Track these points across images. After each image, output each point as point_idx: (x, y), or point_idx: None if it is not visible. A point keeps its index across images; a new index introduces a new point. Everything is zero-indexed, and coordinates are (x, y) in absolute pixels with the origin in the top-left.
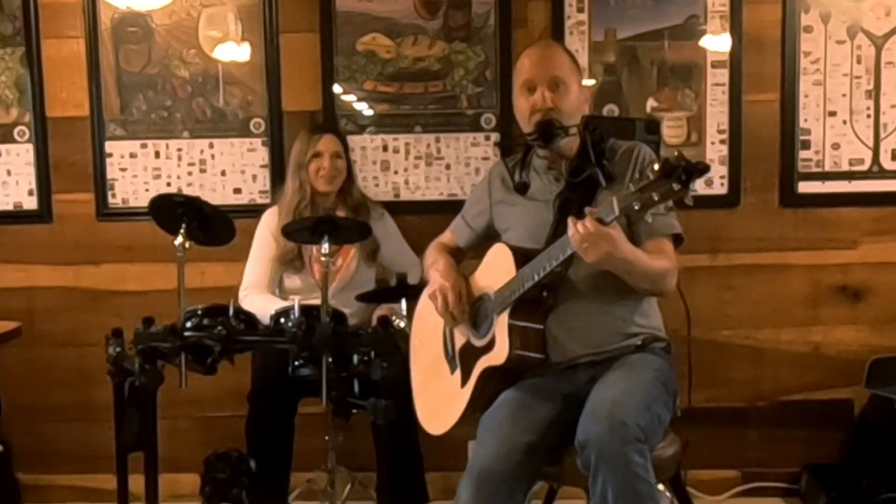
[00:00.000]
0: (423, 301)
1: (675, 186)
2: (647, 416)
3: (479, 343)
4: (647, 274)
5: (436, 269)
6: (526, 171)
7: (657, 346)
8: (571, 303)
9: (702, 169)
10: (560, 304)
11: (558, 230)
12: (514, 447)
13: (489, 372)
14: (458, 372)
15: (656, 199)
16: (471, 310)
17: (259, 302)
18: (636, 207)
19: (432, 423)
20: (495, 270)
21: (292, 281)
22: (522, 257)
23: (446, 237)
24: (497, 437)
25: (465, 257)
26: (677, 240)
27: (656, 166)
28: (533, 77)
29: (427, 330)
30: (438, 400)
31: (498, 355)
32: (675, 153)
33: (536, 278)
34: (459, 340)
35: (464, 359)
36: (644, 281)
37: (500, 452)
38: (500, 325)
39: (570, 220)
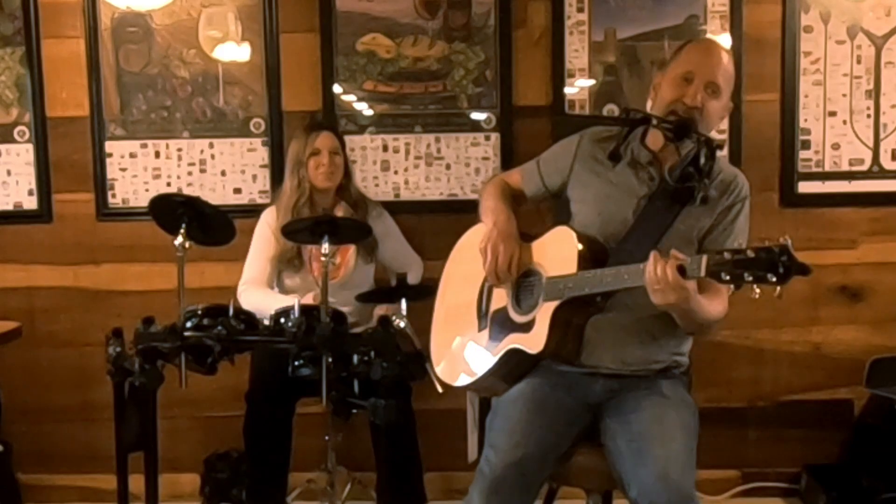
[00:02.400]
0: (471, 236)
1: (771, 278)
2: (694, 478)
3: (517, 318)
4: (702, 323)
5: (494, 224)
6: (628, 148)
7: (677, 371)
8: (620, 316)
9: (805, 271)
10: (608, 312)
11: (633, 236)
12: (525, 456)
13: (518, 352)
14: (486, 332)
15: (748, 279)
16: (518, 280)
17: (257, 296)
18: (724, 277)
19: (446, 369)
20: (555, 254)
21: (292, 279)
22: (588, 251)
23: (514, 178)
24: (509, 444)
25: (526, 205)
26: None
27: (756, 244)
28: (696, 70)
29: (466, 270)
30: (459, 351)
31: (534, 343)
32: (782, 240)
33: (595, 290)
34: (497, 302)
35: (495, 324)
36: (693, 326)
37: (512, 462)
38: (544, 314)
39: (652, 255)
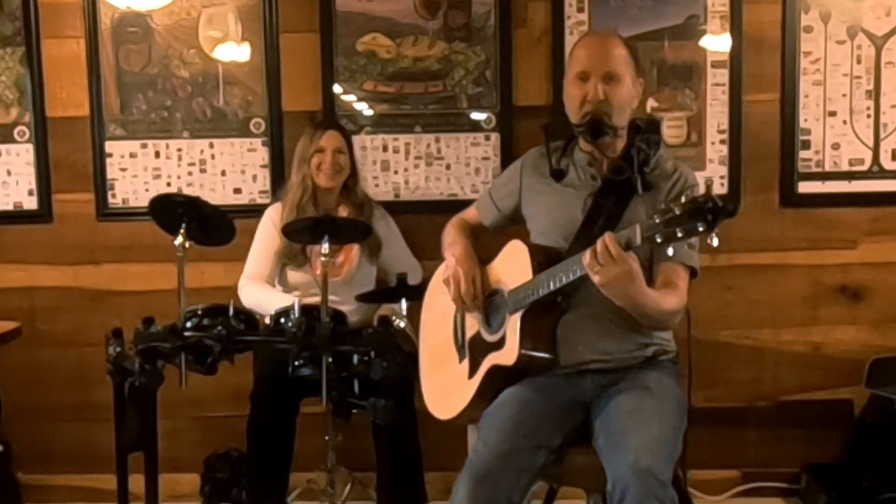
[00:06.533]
0: (437, 279)
1: (700, 226)
2: (672, 464)
3: (489, 338)
4: (654, 315)
5: (452, 253)
6: (566, 159)
7: (665, 358)
8: (585, 308)
9: (730, 211)
10: (573, 309)
11: (584, 231)
12: (515, 448)
13: (497, 369)
14: (466, 361)
15: (680, 235)
16: (484, 301)
17: (257, 293)
18: (658, 240)
19: (437, 406)
20: (512, 268)
21: (295, 275)
22: (540, 256)
23: (470, 213)
24: (499, 437)
25: (488, 235)
26: (692, 273)
27: (683, 199)
28: (587, 68)
29: (438, 310)
30: (445, 385)
31: (508, 356)
32: (705, 189)
33: (552, 287)
34: (470, 329)
35: (473, 350)
36: (648, 319)
37: (501, 452)
38: (512, 326)
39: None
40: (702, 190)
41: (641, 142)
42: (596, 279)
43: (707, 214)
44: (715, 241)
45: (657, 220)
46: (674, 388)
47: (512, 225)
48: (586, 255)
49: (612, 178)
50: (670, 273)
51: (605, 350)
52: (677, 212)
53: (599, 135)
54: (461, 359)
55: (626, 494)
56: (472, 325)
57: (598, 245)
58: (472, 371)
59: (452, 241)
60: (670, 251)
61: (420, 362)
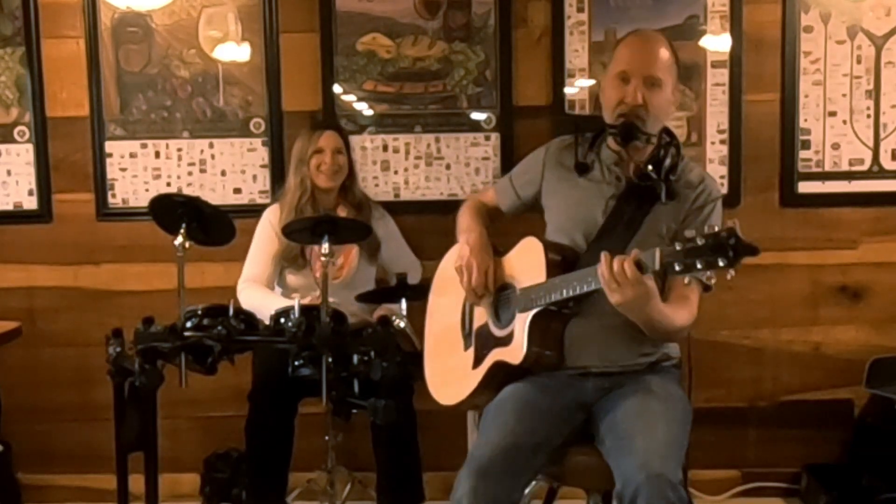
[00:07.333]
0: (447, 262)
1: (721, 262)
2: (680, 466)
3: (497, 332)
4: (665, 330)
5: (466, 240)
6: (593, 154)
7: (668, 364)
8: (595, 317)
9: (752, 251)
10: (583, 315)
11: (603, 235)
12: (516, 444)
13: (501, 365)
14: (471, 351)
15: (699, 266)
16: (495, 294)
17: (256, 296)
18: (677, 269)
19: (440, 392)
20: (526, 265)
21: (294, 278)
22: (556, 256)
23: (488, 196)
24: (500, 433)
25: (505, 219)
26: (705, 288)
27: (706, 229)
28: (630, 70)
29: (448, 294)
30: (449, 372)
31: (514, 354)
32: (729, 225)
33: (565, 295)
34: (478, 319)
35: (479, 340)
36: (657, 334)
37: (501, 448)
38: (521, 325)
39: (603, 255)
40: (723, 211)
41: (671, 148)
42: (613, 298)
43: (729, 251)
44: (731, 276)
45: (677, 248)
46: (678, 392)
47: (530, 212)
48: (603, 272)
49: (637, 184)
50: (684, 288)
51: (612, 357)
52: (699, 242)
53: (631, 139)
54: (467, 347)
55: (638, 498)
56: (481, 315)
57: (615, 265)
58: (477, 362)
59: (467, 227)
60: (686, 279)
61: (425, 344)
